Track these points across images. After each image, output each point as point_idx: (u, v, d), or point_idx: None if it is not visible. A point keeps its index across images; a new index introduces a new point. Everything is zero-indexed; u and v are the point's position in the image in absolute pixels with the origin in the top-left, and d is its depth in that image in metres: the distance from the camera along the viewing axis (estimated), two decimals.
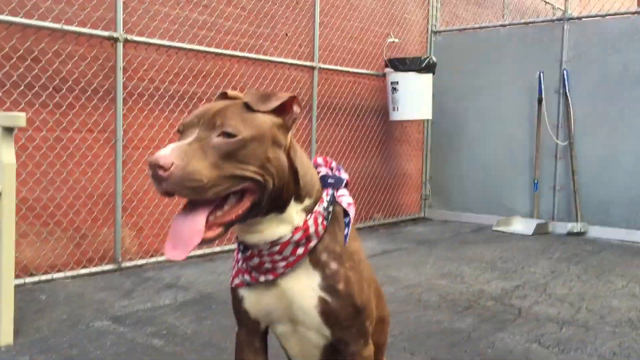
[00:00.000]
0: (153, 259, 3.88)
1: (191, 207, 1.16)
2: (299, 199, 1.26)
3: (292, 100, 1.25)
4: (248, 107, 1.21)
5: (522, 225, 5.50)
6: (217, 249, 4.27)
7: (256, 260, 1.26)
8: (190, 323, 2.71)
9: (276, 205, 1.22)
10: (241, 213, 1.18)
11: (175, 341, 2.48)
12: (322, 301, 1.28)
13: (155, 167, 1.08)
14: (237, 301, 1.36)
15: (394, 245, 4.77)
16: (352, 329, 1.31)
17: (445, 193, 6.27)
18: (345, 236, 1.31)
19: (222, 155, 1.14)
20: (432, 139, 6.33)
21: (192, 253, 4.11)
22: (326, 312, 1.28)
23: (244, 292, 1.33)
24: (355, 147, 5.55)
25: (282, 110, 1.24)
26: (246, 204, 1.18)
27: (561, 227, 5.41)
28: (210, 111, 1.18)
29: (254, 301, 1.33)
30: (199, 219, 1.15)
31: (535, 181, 5.59)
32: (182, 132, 1.20)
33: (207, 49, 4.12)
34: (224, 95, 1.34)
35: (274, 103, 1.22)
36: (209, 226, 1.15)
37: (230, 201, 1.18)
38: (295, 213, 1.26)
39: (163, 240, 3.98)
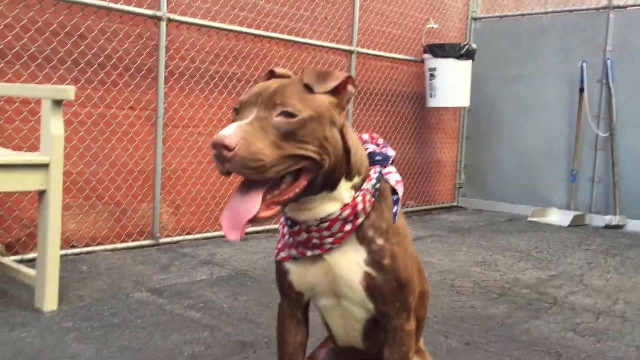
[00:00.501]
0: (189, 236, 3.95)
1: (247, 185, 1.18)
2: (349, 176, 1.28)
3: (347, 80, 1.26)
4: (306, 87, 1.22)
5: (558, 217, 5.43)
6: (252, 229, 4.32)
7: (304, 235, 1.28)
8: (227, 298, 2.76)
9: (328, 183, 1.24)
10: (298, 192, 1.19)
11: (212, 314, 2.53)
12: (367, 276, 1.29)
13: (220, 147, 1.09)
14: (281, 274, 1.38)
15: (427, 232, 4.76)
16: (395, 304, 1.32)
17: (480, 182, 6.22)
18: (395, 213, 1.33)
19: (283, 135, 1.15)
20: (468, 126, 6.27)
21: None
22: (371, 287, 1.30)
23: (289, 265, 1.35)
24: (391, 133, 5.53)
25: (336, 89, 1.25)
26: (302, 183, 1.19)
27: (598, 220, 5.32)
28: (269, 90, 1.19)
29: (299, 274, 1.35)
30: (256, 198, 1.16)
31: (574, 172, 5.51)
32: (239, 111, 1.21)
33: (247, 30, 4.15)
34: (272, 73, 1.35)
35: (332, 84, 1.23)
36: (266, 205, 1.17)
37: (287, 180, 1.19)
38: (345, 191, 1.27)
39: (199, 219, 4.04)
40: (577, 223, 5.28)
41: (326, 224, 1.26)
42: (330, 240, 1.27)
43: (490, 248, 4.21)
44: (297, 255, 1.31)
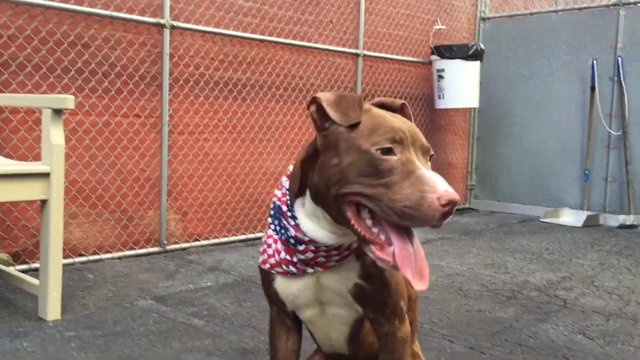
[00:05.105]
0: (197, 243, 3.95)
1: (406, 231, 1.14)
2: None
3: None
4: None
5: (571, 217, 5.35)
6: (260, 234, 4.31)
7: (310, 255, 1.25)
8: (231, 304, 2.75)
9: None
10: None
11: (215, 321, 2.52)
12: (357, 286, 1.28)
13: (454, 204, 1.05)
14: (267, 282, 1.35)
15: (437, 235, 4.71)
16: (385, 310, 1.30)
17: (492, 183, 6.16)
18: None
19: None
20: (479, 127, 6.22)
21: (235, 238, 4.17)
22: (359, 295, 1.29)
23: (275, 274, 1.33)
24: None
25: None
26: None
27: (613, 220, 5.24)
28: (411, 129, 1.17)
29: (285, 284, 1.32)
30: (418, 242, 1.15)
31: (586, 172, 5.43)
32: (390, 151, 1.11)
33: (252, 35, 4.15)
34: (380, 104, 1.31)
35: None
36: None
37: None
38: None
39: (206, 225, 4.04)
40: (590, 223, 5.20)
41: (346, 245, 1.25)
42: (336, 258, 1.26)
43: (501, 250, 4.15)
44: (297, 272, 1.28)
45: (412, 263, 1.11)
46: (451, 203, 1.03)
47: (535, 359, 2.19)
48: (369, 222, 1.13)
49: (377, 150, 1.10)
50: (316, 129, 1.21)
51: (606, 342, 2.38)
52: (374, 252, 1.12)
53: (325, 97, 1.18)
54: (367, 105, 1.22)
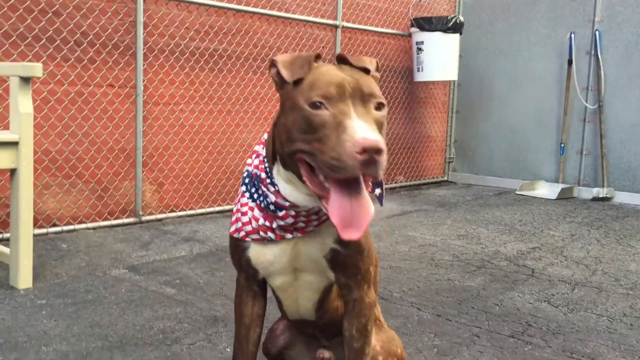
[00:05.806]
0: (173, 214, 3.95)
1: (349, 183, 1.10)
2: None
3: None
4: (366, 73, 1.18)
5: (546, 190, 5.43)
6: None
7: (290, 220, 1.25)
8: (204, 274, 2.77)
9: None
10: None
11: (187, 290, 2.54)
12: (333, 251, 1.30)
13: (374, 151, 1.01)
14: (240, 250, 1.35)
15: (414, 207, 4.76)
16: (357, 276, 1.33)
17: (470, 156, 6.20)
18: (380, 196, 1.32)
19: (381, 129, 1.11)
20: (458, 100, 6.24)
21: (211, 209, 4.17)
22: (334, 260, 1.30)
23: (249, 242, 1.33)
24: None
25: None
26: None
27: (586, 192, 5.32)
28: (354, 81, 1.12)
29: (259, 252, 1.32)
30: (367, 196, 1.10)
31: (562, 145, 5.48)
32: (321, 106, 1.09)
33: (228, 5, 4.10)
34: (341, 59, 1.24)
35: (372, 67, 1.20)
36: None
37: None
38: None
39: (183, 196, 4.04)
40: (565, 196, 5.28)
41: (318, 208, 1.24)
42: (315, 223, 1.26)
43: (475, 222, 4.21)
44: (276, 238, 1.28)
45: (343, 211, 1.09)
46: (369, 150, 1.00)
47: (499, 325, 2.25)
48: (322, 177, 1.12)
49: (308, 105, 1.10)
50: (277, 91, 1.22)
51: (570, 310, 2.44)
52: (324, 205, 1.12)
53: (282, 58, 1.19)
54: (321, 63, 1.20)
